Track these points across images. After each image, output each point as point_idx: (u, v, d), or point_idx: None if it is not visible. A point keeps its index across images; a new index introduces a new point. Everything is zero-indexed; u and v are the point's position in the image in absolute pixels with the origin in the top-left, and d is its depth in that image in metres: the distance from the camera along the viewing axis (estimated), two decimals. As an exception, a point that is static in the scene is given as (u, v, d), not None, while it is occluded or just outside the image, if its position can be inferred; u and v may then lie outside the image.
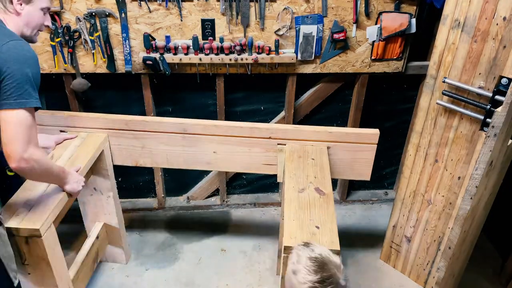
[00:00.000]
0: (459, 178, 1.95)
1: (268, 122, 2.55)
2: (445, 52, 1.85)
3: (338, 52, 2.35)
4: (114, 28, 2.16)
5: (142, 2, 2.10)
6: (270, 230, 2.67)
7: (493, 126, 1.64)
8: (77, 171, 1.77)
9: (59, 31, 2.10)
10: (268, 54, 2.27)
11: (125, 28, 2.15)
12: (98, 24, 2.12)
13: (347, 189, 2.92)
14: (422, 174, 2.11)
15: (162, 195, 2.78)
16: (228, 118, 2.52)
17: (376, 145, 2.08)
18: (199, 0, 2.13)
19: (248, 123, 2.12)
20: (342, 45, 2.32)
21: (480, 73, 1.74)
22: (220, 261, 2.47)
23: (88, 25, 2.12)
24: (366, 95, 2.56)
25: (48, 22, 1.57)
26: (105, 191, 2.17)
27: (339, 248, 1.49)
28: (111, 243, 2.36)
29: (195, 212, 2.84)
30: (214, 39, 2.22)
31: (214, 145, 2.12)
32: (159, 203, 2.81)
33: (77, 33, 2.14)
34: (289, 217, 1.64)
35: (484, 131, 1.77)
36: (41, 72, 2.18)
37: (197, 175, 2.80)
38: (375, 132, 2.07)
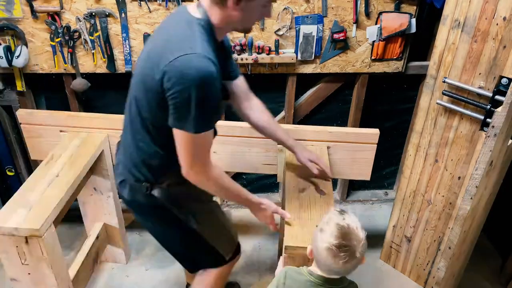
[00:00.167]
0: (459, 178, 1.95)
1: (268, 122, 2.55)
2: (445, 52, 1.85)
3: (338, 52, 2.35)
4: (114, 28, 2.16)
5: (142, 2, 2.10)
6: (270, 230, 2.66)
7: (493, 126, 1.64)
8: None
9: (59, 31, 2.10)
10: (268, 54, 2.27)
11: (125, 28, 2.15)
12: (98, 24, 2.12)
13: (347, 189, 2.92)
14: (422, 174, 2.11)
15: (162, 195, 2.78)
16: (228, 118, 2.51)
17: (376, 145, 2.07)
18: (199, 0, 2.12)
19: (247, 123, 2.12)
20: (342, 45, 2.32)
21: (480, 73, 1.74)
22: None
23: (88, 25, 2.13)
24: (366, 95, 2.56)
25: (268, 14, 1.35)
26: (105, 191, 2.17)
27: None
28: (111, 243, 2.36)
29: (195, 212, 2.83)
30: (214, 39, 2.22)
31: (214, 145, 2.10)
32: (159, 203, 2.81)
33: (77, 33, 2.14)
34: (291, 217, 1.64)
35: (484, 131, 1.77)
36: (41, 72, 2.22)
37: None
38: (375, 132, 2.07)
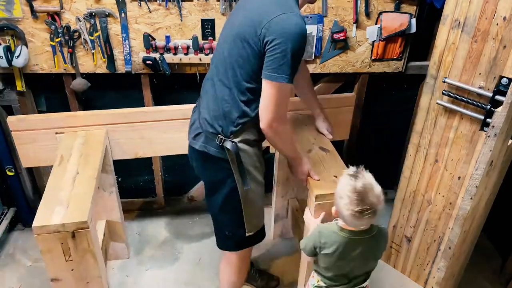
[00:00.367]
0: (459, 178, 1.95)
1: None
2: (445, 52, 1.85)
3: (338, 52, 2.35)
4: (114, 28, 2.15)
5: (142, 2, 2.10)
6: (270, 230, 2.66)
7: (493, 126, 1.64)
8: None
9: (59, 31, 2.10)
10: (268, 54, 2.27)
11: (125, 28, 2.15)
12: (98, 24, 2.12)
13: (347, 189, 2.92)
14: (422, 174, 2.11)
15: (162, 195, 2.78)
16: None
17: (352, 107, 2.42)
18: (199, 0, 2.12)
19: None
20: (342, 45, 2.32)
21: (480, 73, 1.74)
22: (220, 261, 2.47)
23: (88, 25, 2.12)
24: (366, 95, 2.56)
25: None
26: (108, 187, 2.20)
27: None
28: (113, 240, 2.37)
29: (195, 212, 2.84)
30: (214, 39, 2.22)
31: None
32: (159, 203, 2.81)
33: (77, 33, 2.13)
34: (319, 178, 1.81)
35: (484, 131, 1.77)
36: (41, 72, 2.22)
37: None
38: (352, 95, 2.45)
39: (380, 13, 2.25)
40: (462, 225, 1.88)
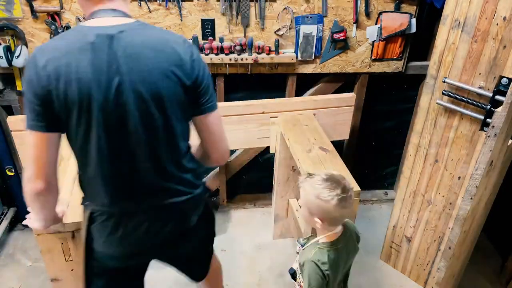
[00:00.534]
0: (459, 178, 1.95)
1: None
2: (445, 52, 1.85)
3: (338, 52, 2.35)
4: (114, 28, 2.15)
5: (142, 2, 2.10)
6: (270, 230, 2.66)
7: (493, 126, 1.64)
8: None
9: (59, 31, 2.09)
10: (268, 54, 2.27)
11: (125, 28, 2.15)
12: (98, 24, 2.12)
13: (347, 189, 2.92)
14: (422, 174, 2.11)
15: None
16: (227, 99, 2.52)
17: (352, 107, 2.40)
18: (199, 0, 2.13)
19: (242, 102, 2.29)
20: (342, 45, 2.32)
21: (480, 73, 1.74)
22: (220, 261, 2.47)
23: (88, 25, 2.12)
24: (366, 95, 2.56)
25: None
26: None
27: (359, 189, 1.73)
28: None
29: (195, 212, 2.83)
30: (214, 39, 2.22)
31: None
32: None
33: (77, 33, 2.13)
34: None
35: (484, 131, 1.77)
36: (41, 72, 2.22)
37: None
38: (351, 95, 2.41)
39: (380, 13, 2.25)
40: (462, 225, 1.88)
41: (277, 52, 2.27)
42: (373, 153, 2.86)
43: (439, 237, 2.12)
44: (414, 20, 2.25)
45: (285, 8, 2.19)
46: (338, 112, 2.38)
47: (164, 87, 1.12)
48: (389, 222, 2.38)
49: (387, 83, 2.59)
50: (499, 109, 1.62)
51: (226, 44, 2.21)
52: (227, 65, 2.29)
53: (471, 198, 1.80)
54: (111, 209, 1.25)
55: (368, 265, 2.45)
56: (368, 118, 2.67)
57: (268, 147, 2.41)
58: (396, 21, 2.24)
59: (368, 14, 2.25)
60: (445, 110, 1.92)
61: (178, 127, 1.21)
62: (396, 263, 2.42)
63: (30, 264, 2.40)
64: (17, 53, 2.06)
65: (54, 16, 2.07)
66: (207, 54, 2.22)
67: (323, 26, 2.26)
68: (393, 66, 2.43)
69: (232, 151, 2.70)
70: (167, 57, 1.12)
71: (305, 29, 2.24)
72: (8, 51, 2.07)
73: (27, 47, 2.11)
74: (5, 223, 2.55)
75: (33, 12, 2.05)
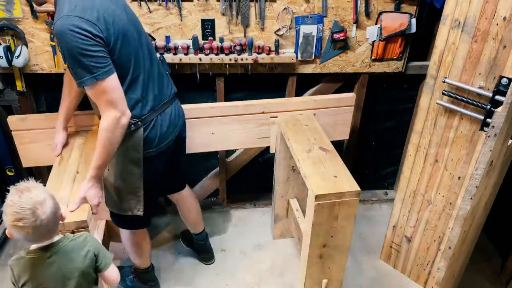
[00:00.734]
0: (459, 178, 1.95)
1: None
2: (445, 52, 1.85)
3: (338, 52, 2.35)
4: (114, 28, 2.15)
5: (142, 2, 2.10)
6: (270, 230, 2.67)
7: (493, 126, 1.64)
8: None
9: (59, 31, 2.10)
10: (268, 54, 2.27)
11: (125, 28, 2.15)
12: (98, 24, 2.12)
13: (347, 189, 2.92)
14: (422, 174, 2.11)
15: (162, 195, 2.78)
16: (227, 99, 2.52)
17: (352, 107, 2.40)
18: (199, 0, 2.13)
19: (242, 102, 2.28)
20: (342, 45, 2.32)
21: (480, 73, 1.74)
22: (220, 261, 2.47)
23: (88, 25, 2.12)
24: (366, 95, 2.56)
25: None
26: None
27: (359, 189, 1.75)
28: (113, 240, 2.36)
29: (195, 212, 2.83)
30: (214, 39, 2.22)
31: (212, 126, 2.26)
32: (158, 202, 2.81)
33: (77, 33, 2.13)
34: (310, 172, 1.84)
35: (484, 131, 1.77)
36: (41, 72, 2.22)
37: (197, 175, 2.80)
38: (352, 95, 2.40)
39: (380, 13, 2.25)
40: (462, 225, 1.88)
41: (277, 52, 2.28)
42: (373, 153, 2.86)
43: (439, 237, 2.12)
44: (414, 20, 2.25)
45: (285, 8, 2.19)
46: (338, 112, 2.38)
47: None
48: (389, 222, 2.38)
49: (387, 83, 2.59)
50: (499, 109, 1.62)
51: (226, 44, 2.21)
52: (227, 65, 2.29)
53: (471, 198, 1.80)
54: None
55: (368, 265, 2.45)
56: (368, 118, 2.67)
57: (268, 147, 2.41)
58: (396, 21, 2.24)
59: (368, 14, 2.25)
60: (445, 110, 1.92)
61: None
62: (396, 263, 2.42)
63: (30, 264, 2.40)
64: (17, 53, 2.07)
65: (54, 16, 2.07)
66: (207, 54, 2.22)
67: (323, 26, 2.26)
68: (393, 66, 2.43)
69: (232, 151, 2.71)
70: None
71: (305, 29, 2.24)
72: (8, 51, 2.07)
73: (27, 47, 2.11)
74: (5, 223, 2.55)
75: (33, 12, 2.05)
